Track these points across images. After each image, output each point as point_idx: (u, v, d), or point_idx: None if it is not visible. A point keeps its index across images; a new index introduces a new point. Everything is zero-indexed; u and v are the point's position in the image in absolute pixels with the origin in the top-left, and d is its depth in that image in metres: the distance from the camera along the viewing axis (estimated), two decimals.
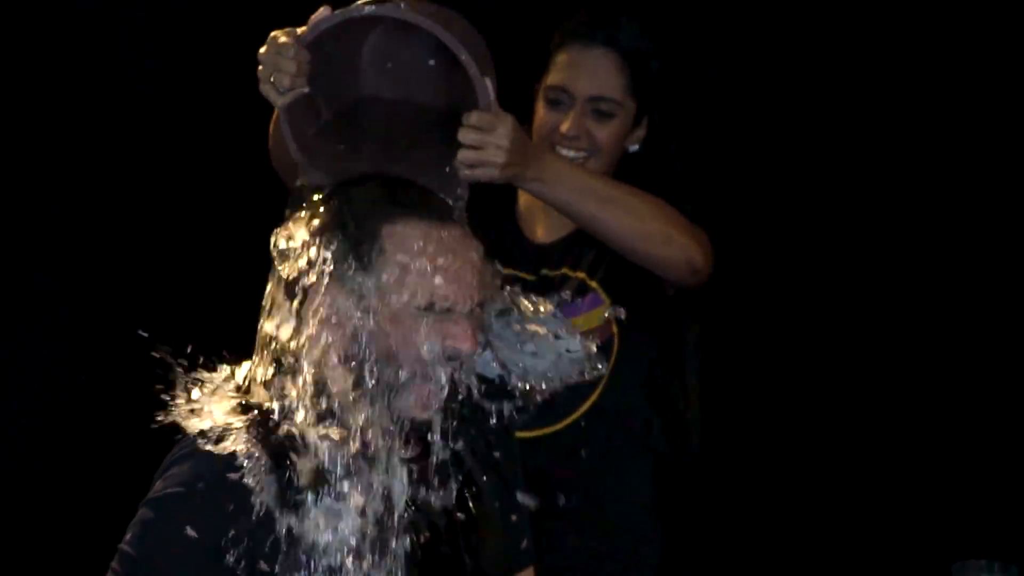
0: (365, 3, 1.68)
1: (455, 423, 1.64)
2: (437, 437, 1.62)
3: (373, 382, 1.58)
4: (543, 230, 2.21)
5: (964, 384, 3.18)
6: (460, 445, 1.65)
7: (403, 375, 1.59)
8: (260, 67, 1.71)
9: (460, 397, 1.63)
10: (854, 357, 3.26)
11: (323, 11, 1.69)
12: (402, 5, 1.67)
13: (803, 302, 3.26)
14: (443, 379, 1.60)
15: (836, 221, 3.22)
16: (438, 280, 1.59)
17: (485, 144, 1.72)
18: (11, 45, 2.93)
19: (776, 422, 3.26)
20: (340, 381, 1.60)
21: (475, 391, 1.64)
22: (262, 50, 1.72)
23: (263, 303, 1.66)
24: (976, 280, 3.19)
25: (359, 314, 1.59)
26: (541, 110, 2.16)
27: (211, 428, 1.57)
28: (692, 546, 2.37)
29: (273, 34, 1.72)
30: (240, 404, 1.63)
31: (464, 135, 1.72)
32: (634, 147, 2.20)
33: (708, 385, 2.34)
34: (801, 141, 3.21)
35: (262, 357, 1.66)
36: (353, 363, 1.59)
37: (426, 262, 1.58)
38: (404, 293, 1.58)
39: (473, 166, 1.73)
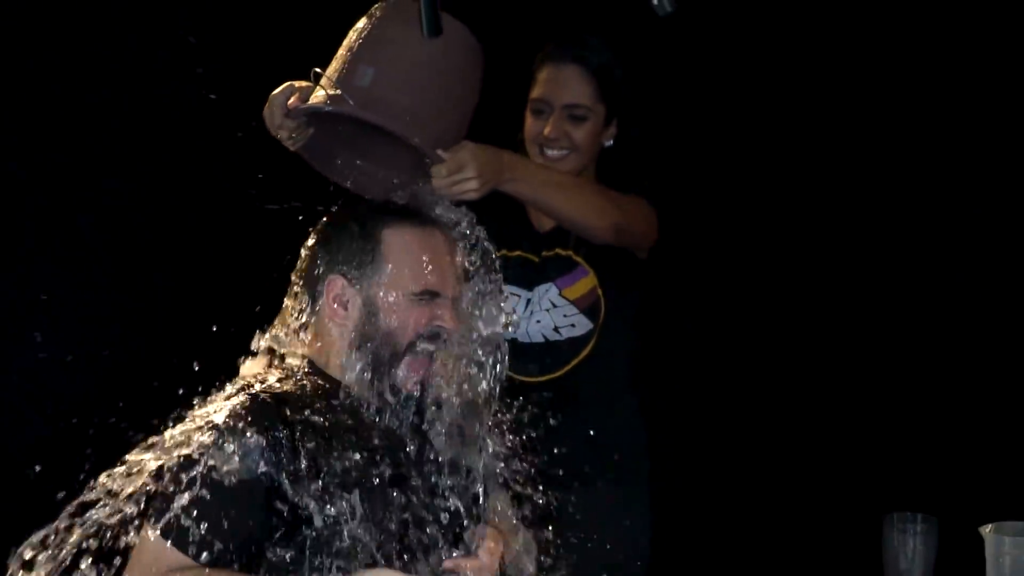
0: (323, 102, 1.88)
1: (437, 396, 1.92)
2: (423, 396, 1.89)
3: (375, 357, 1.86)
4: (544, 219, 2.51)
5: (898, 358, 3.32)
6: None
7: (398, 350, 1.86)
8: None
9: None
10: (798, 326, 3.42)
11: (295, 101, 1.92)
12: (353, 104, 1.85)
13: (755, 269, 3.43)
14: (430, 354, 1.88)
15: (781, 196, 3.39)
16: (427, 271, 1.87)
17: (459, 182, 1.97)
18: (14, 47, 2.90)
19: (728, 385, 3.44)
20: (349, 357, 1.88)
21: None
22: (265, 109, 1.97)
23: (285, 301, 1.93)
24: (914, 251, 3.33)
25: (363, 301, 1.87)
26: (529, 119, 2.46)
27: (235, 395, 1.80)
28: (676, 462, 2.73)
29: (272, 96, 1.96)
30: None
31: (437, 185, 1.96)
32: (608, 142, 2.49)
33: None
34: (760, 128, 3.36)
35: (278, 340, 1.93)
36: (359, 341, 1.87)
37: (418, 257, 1.87)
38: (400, 282, 1.87)
39: (456, 195, 2.00)
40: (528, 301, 2.48)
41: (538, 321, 2.46)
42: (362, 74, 1.88)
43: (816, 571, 3.23)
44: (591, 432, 2.48)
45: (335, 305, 1.87)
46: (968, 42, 3.17)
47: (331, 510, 1.76)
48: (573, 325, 2.44)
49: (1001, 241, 3.24)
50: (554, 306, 2.45)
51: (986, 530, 2.01)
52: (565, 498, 2.38)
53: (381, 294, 1.86)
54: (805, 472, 3.36)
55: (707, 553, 2.73)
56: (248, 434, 1.74)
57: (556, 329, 2.45)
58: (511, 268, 2.47)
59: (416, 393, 1.89)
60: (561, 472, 2.38)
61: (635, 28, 2.10)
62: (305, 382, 1.87)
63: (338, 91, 1.87)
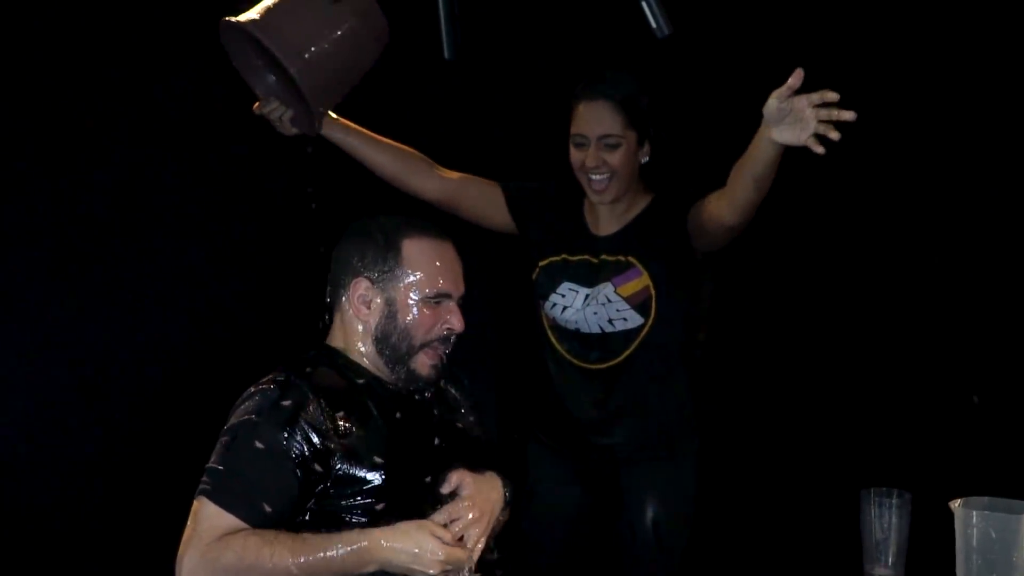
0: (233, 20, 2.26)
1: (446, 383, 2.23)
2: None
3: (393, 350, 2.13)
4: (602, 226, 2.82)
5: (878, 341, 3.46)
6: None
7: (414, 344, 2.13)
8: None
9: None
10: (776, 308, 3.57)
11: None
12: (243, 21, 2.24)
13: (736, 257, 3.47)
14: (443, 349, 2.16)
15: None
16: (440, 277, 2.13)
17: None
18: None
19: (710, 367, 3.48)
20: (370, 348, 2.15)
21: None
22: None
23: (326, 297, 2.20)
24: (883, 233, 3.45)
25: (384, 301, 2.13)
26: (572, 151, 2.76)
27: (272, 375, 2.06)
28: (722, 442, 2.98)
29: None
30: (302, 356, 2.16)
31: None
32: (645, 159, 2.79)
33: None
34: None
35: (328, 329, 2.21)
36: (380, 335, 2.13)
37: (432, 265, 2.13)
38: (417, 286, 2.13)
39: None
40: (587, 296, 2.75)
41: (595, 313, 2.74)
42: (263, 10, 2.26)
43: (800, 541, 3.39)
44: (645, 413, 2.76)
45: (359, 303, 2.10)
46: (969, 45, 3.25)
47: (360, 471, 1.99)
48: (625, 319, 2.72)
49: (971, 222, 3.33)
50: (608, 301, 2.73)
51: (956, 504, 2.06)
52: (622, 471, 2.72)
53: (400, 296, 2.11)
54: (791, 451, 3.53)
55: (698, 525, 2.86)
56: (285, 407, 1.96)
57: (610, 321, 2.73)
58: (573, 269, 2.78)
59: (433, 376, 2.11)
60: (619, 448, 2.74)
61: (649, 46, 2.25)
62: (333, 366, 2.09)
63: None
